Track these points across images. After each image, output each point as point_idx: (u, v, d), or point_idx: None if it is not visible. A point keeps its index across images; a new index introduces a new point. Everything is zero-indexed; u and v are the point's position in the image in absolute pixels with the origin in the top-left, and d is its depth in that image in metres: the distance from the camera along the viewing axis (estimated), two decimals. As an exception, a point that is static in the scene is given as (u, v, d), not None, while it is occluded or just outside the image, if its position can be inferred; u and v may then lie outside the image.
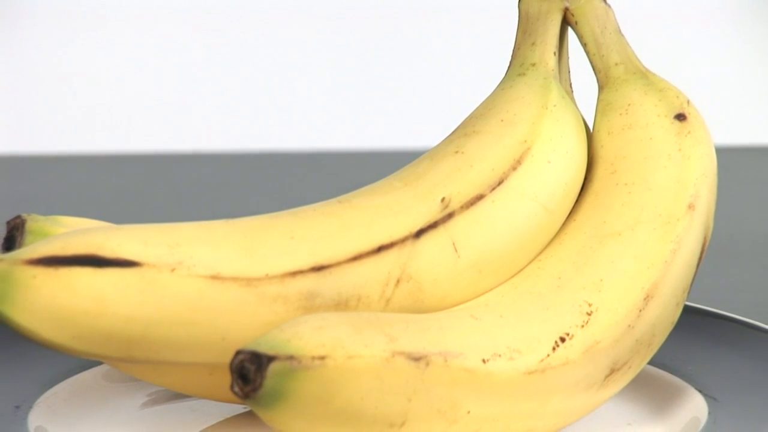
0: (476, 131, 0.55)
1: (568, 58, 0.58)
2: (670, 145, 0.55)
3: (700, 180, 0.55)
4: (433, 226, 0.52)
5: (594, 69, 0.58)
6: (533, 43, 0.57)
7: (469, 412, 0.48)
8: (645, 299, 0.52)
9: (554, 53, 0.57)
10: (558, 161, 0.54)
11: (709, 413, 0.53)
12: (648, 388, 0.56)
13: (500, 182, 0.53)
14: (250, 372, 0.45)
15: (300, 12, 1.49)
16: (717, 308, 0.60)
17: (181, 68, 1.49)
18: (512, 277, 0.53)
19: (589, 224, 0.54)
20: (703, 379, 0.56)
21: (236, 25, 1.49)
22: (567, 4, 0.57)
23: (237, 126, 1.48)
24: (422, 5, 1.50)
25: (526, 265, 0.54)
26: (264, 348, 0.45)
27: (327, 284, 0.49)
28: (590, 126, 0.57)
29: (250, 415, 0.54)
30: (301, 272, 0.49)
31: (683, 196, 0.54)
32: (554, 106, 0.55)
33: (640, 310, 0.52)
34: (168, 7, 1.50)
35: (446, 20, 1.50)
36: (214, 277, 0.48)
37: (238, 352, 0.45)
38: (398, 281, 0.51)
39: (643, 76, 0.57)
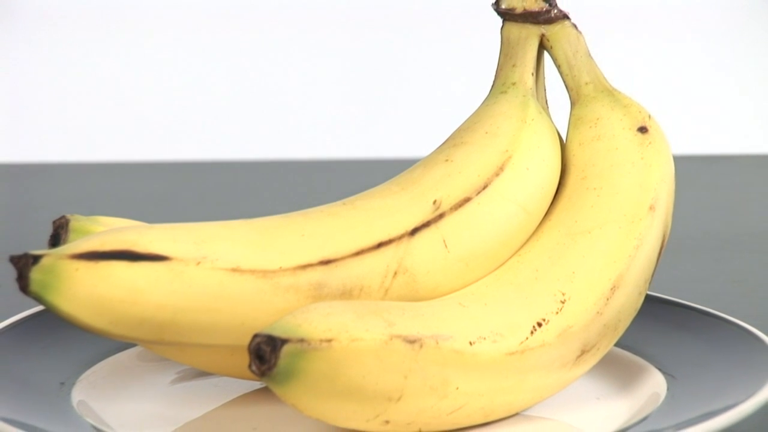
0: (464, 142, 0.55)
1: (544, 77, 0.58)
2: (633, 154, 0.55)
3: (660, 185, 0.55)
4: (426, 225, 0.52)
5: (567, 87, 0.58)
6: (514, 65, 0.57)
7: (457, 388, 0.48)
8: (612, 289, 0.52)
9: (532, 74, 0.57)
10: (536, 168, 0.54)
11: (668, 389, 0.53)
12: (614, 367, 0.56)
13: (485, 187, 0.53)
14: (266, 353, 0.45)
15: (318, 40, 1.50)
16: (675, 297, 0.60)
17: (208, 89, 1.49)
18: (495, 269, 0.53)
19: (563, 223, 0.54)
20: (662, 358, 0.56)
21: (263, 52, 1.49)
22: (543, 31, 0.57)
23: (255, 138, 1.48)
24: (418, 38, 1.50)
25: (508, 259, 0.54)
26: (278, 332, 0.45)
27: (333, 276, 0.49)
28: (564, 137, 0.57)
29: (265, 391, 0.54)
30: (310, 265, 0.49)
31: (645, 199, 0.54)
32: (532, 120, 0.55)
33: (608, 299, 0.52)
34: (196, 29, 1.50)
35: (436, 48, 1.51)
36: (235, 270, 0.48)
37: (255, 336, 0.45)
38: (395, 273, 0.51)
39: (610, 93, 0.57)
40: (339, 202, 0.53)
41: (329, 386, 0.46)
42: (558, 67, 0.57)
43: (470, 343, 0.48)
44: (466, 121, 0.56)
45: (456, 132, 0.56)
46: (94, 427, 0.50)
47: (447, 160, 0.54)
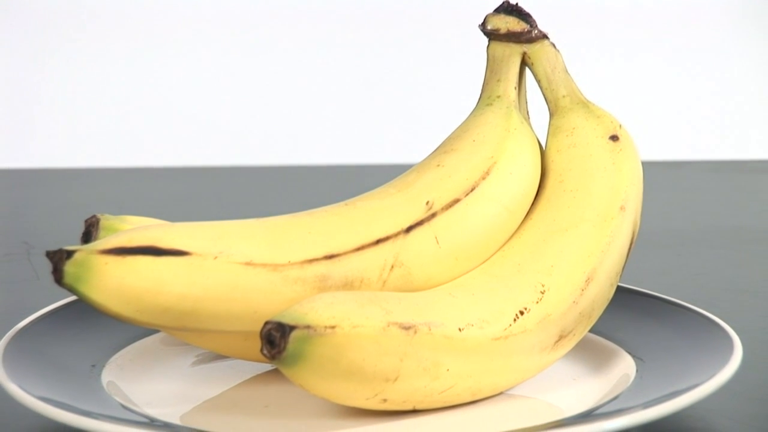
0: (453, 149, 0.55)
1: (525, 91, 0.58)
2: (605, 160, 0.55)
3: (630, 187, 0.54)
4: (419, 223, 0.51)
5: (546, 100, 0.57)
6: (498, 80, 0.57)
7: (448, 369, 0.48)
8: (586, 281, 0.52)
9: (515, 88, 0.57)
10: (518, 173, 0.54)
11: (637, 370, 0.53)
12: (589, 351, 0.56)
13: (472, 189, 0.53)
14: (276, 338, 0.45)
15: (327, 64, 1.50)
16: (643, 288, 0.60)
17: (227, 103, 1.49)
18: (482, 263, 0.53)
19: (543, 222, 0.54)
20: (632, 343, 0.56)
21: (278, 72, 1.50)
22: (525, 49, 0.57)
23: (267, 146, 1.48)
24: (413, 58, 1.51)
25: (493, 254, 0.54)
26: (287, 319, 0.45)
27: (336, 269, 0.49)
28: (543, 145, 0.57)
29: (276, 373, 0.54)
30: (316, 260, 0.49)
31: (616, 200, 0.54)
32: (515, 129, 0.55)
33: (583, 290, 0.52)
34: (219, 47, 1.50)
35: (429, 65, 1.51)
36: (248, 264, 0.48)
37: (266, 323, 0.45)
38: (392, 267, 0.50)
39: (585, 105, 0.57)
40: (341, 203, 0.53)
41: (333, 368, 0.46)
42: (538, 81, 0.57)
43: (459, 330, 0.48)
44: (455, 130, 0.56)
45: (446, 140, 0.56)
46: (122, 405, 0.50)
47: (438, 165, 0.54)
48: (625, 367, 0.54)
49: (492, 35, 0.57)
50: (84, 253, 0.46)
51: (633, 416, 0.45)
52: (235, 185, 1.20)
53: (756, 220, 1.00)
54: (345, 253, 0.50)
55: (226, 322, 0.48)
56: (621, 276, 0.54)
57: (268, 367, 0.55)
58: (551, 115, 0.57)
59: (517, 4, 0.57)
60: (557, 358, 0.53)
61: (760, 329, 0.64)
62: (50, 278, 0.47)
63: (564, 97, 0.57)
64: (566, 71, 0.57)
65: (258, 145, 1.49)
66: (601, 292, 0.53)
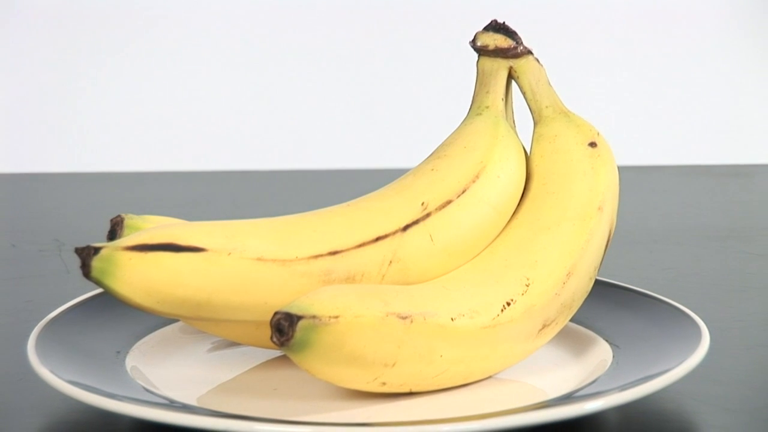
0: (446, 155, 0.55)
1: (512, 102, 0.58)
2: (585, 164, 0.55)
3: (607, 189, 0.54)
4: (415, 222, 0.51)
5: (530, 110, 0.57)
6: (487, 92, 0.57)
7: (441, 356, 0.48)
8: (567, 275, 0.52)
9: (502, 99, 0.57)
10: (505, 176, 0.54)
11: (614, 356, 0.53)
12: (569, 339, 0.56)
13: (464, 191, 0.53)
14: (284, 327, 0.45)
15: (333, 78, 1.50)
16: (619, 281, 0.60)
17: (241, 113, 1.49)
18: (472, 258, 0.53)
19: (527, 221, 0.54)
20: (609, 331, 0.56)
21: (289, 85, 1.50)
22: (511, 64, 0.57)
23: (276, 152, 1.48)
24: (409, 73, 1.51)
25: (482, 251, 0.53)
26: (295, 310, 0.45)
27: (339, 264, 0.49)
28: (528, 151, 0.57)
29: (284, 358, 0.54)
30: (321, 256, 0.49)
31: (594, 201, 0.54)
32: (502, 137, 0.55)
33: (564, 283, 0.52)
34: (233, 63, 1.49)
35: (423, 79, 1.51)
36: (259, 259, 0.48)
37: (275, 313, 0.45)
38: (391, 262, 0.50)
39: (566, 115, 0.57)
40: (344, 204, 0.53)
41: (336, 354, 0.45)
42: (523, 93, 0.57)
43: (452, 319, 0.48)
44: (448, 137, 0.56)
45: (440, 146, 0.56)
46: (144, 388, 0.49)
47: (433, 170, 0.54)
48: (602, 353, 0.54)
49: (481, 51, 0.57)
50: (110, 249, 0.46)
51: (610, 398, 0.45)
52: (247, 188, 1.20)
53: (720, 219, 1.00)
54: (347, 250, 0.50)
55: (239, 312, 0.48)
56: (599, 270, 0.54)
57: (277, 353, 0.55)
58: (535, 123, 0.57)
59: (504, 22, 0.57)
60: (541, 345, 0.53)
61: (725, 319, 0.64)
62: (79, 272, 0.47)
63: (547, 107, 0.57)
64: (549, 84, 0.57)
65: (268, 151, 1.49)
66: (580, 284, 0.53)
